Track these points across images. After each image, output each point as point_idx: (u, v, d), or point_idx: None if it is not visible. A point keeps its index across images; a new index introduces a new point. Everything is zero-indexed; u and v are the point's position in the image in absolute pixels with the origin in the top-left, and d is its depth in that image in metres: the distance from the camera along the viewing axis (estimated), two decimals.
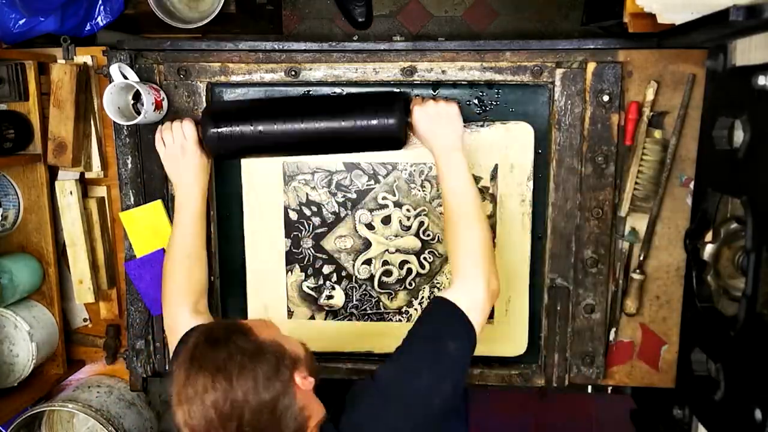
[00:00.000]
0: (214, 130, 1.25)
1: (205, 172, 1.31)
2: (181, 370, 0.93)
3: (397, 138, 1.27)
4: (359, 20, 2.21)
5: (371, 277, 1.43)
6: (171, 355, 1.22)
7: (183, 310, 1.24)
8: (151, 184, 1.42)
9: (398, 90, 1.35)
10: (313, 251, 1.42)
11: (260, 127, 1.25)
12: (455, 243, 1.15)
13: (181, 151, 1.28)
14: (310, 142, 1.28)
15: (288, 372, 0.94)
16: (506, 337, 1.42)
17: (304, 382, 0.96)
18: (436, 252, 1.41)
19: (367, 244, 1.41)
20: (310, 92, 1.40)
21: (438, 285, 1.42)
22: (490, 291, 1.10)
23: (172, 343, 1.23)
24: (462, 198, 1.17)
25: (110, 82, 1.32)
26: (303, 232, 1.42)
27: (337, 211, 1.41)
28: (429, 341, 1.06)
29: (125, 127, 1.39)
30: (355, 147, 1.33)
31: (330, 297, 1.45)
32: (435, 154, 1.23)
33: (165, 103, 1.36)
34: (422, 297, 1.42)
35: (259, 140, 1.27)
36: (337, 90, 1.39)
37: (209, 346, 0.94)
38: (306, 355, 1.01)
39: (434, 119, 1.21)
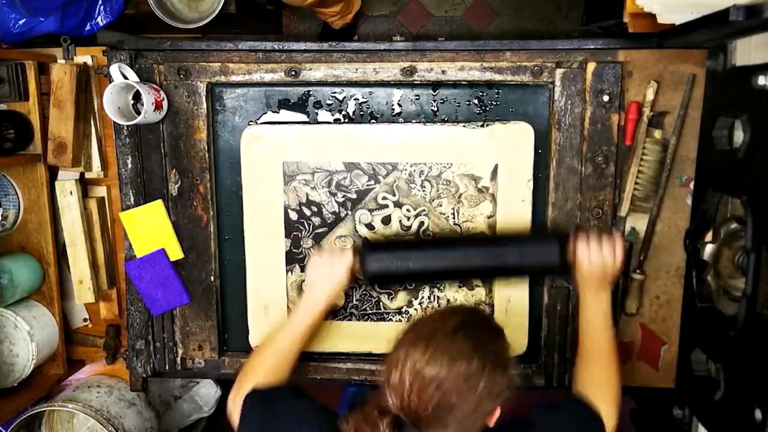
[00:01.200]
0: (375, 265, 1.27)
1: (337, 295, 1.30)
2: (448, 332, 0.95)
3: (559, 273, 1.30)
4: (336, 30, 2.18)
5: None
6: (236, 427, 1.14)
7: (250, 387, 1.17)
8: (151, 184, 1.42)
9: (556, 233, 1.30)
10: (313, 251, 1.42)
11: (418, 267, 1.28)
12: (590, 376, 1.18)
13: (330, 266, 1.26)
14: (464, 274, 1.35)
15: (499, 402, 0.96)
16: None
17: (493, 419, 0.98)
18: None
19: None
20: (311, 94, 1.40)
21: (438, 285, 1.41)
22: (615, 424, 1.13)
23: (235, 418, 1.13)
24: (600, 335, 1.20)
25: (110, 82, 1.32)
26: (303, 232, 1.42)
27: (337, 211, 1.40)
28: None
29: (125, 127, 1.39)
30: (509, 277, 1.38)
31: None
32: (582, 286, 1.23)
33: (165, 103, 1.36)
34: (422, 297, 1.42)
35: (414, 277, 1.33)
36: (337, 90, 1.39)
37: (482, 326, 1.02)
38: None
39: (595, 256, 1.20)
